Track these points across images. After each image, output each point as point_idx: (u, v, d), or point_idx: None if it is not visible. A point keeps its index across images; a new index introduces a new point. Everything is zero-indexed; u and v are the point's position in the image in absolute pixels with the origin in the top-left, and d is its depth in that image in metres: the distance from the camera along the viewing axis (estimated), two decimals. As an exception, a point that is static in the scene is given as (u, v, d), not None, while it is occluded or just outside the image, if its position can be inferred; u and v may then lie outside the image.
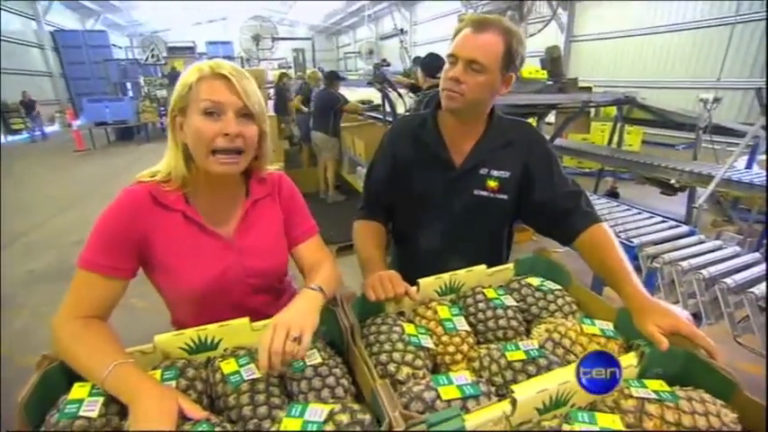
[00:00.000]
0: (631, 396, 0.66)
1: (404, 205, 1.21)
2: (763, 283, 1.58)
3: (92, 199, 5.92)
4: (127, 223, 0.84)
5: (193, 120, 0.79)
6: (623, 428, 0.60)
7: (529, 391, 0.63)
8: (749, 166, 3.85)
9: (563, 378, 0.66)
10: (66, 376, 0.73)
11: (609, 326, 0.85)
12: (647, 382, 0.70)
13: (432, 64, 3.13)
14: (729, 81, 7.17)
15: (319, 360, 0.75)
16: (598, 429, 0.59)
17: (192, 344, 0.82)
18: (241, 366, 0.76)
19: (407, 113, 2.94)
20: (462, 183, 1.13)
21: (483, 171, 1.12)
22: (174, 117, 0.83)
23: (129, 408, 0.64)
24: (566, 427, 0.60)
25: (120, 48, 17.57)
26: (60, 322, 0.77)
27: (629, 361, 0.73)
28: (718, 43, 7.26)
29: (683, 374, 0.74)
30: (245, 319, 0.84)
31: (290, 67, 13.30)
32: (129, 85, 14.12)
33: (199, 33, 19.47)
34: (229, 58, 14.28)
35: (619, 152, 4.47)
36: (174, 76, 11.49)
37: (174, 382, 0.71)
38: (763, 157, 5.35)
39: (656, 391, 0.67)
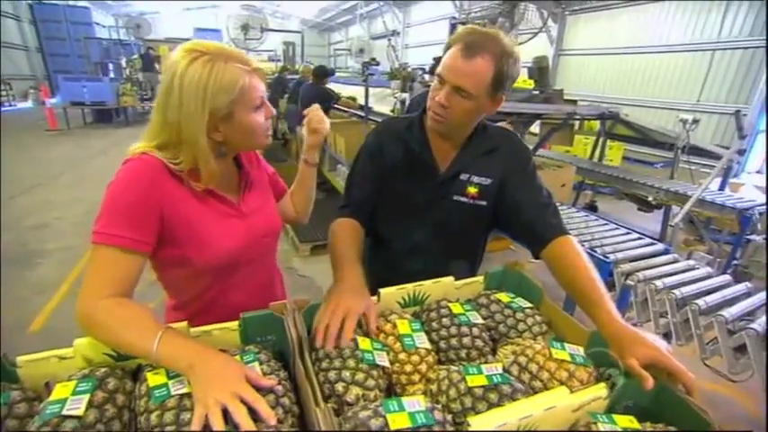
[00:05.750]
0: (598, 433, 0.61)
1: (383, 206, 1.18)
2: (733, 307, 1.57)
3: (59, 181, 5.64)
4: (147, 192, 0.80)
5: (246, 117, 0.83)
6: (587, 471, 0.54)
7: (486, 426, 0.56)
8: (722, 188, 3.94)
9: (526, 411, 0.59)
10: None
11: (579, 350, 0.79)
12: (616, 417, 0.64)
13: None
14: (708, 105, 7.37)
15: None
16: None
17: (118, 350, 0.73)
18: (170, 379, 0.67)
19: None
20: (444, 188, 1.12)
21: (464, 177, 1.11)
22: (213, 124, 0.81)
23: (192, 372, 0.63)
24: (525, 467, 0.54)
25: (104, 27, 16.92)
26: (88, 304, 0.72)
27: (598, 392, 0.67)
28: (699, 68, 7.45)
29: (654, 408, 0.69)
30: (184, 324, 0.75)
31: (279, 60, 13.07)
32: (110, 66, 13.61)
33: (189, 18, 18.96)
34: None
35: (600, 166, 4.52)
36: (148, 59, 11.09)
37: (86, 396, 0.62)
38: (735, 180, 5.50)
39: (624, 429, 0.62)
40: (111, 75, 12.96)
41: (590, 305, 0.84)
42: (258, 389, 0.63)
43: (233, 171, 0.98)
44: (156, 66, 10.97)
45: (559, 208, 1.19)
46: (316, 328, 0.77)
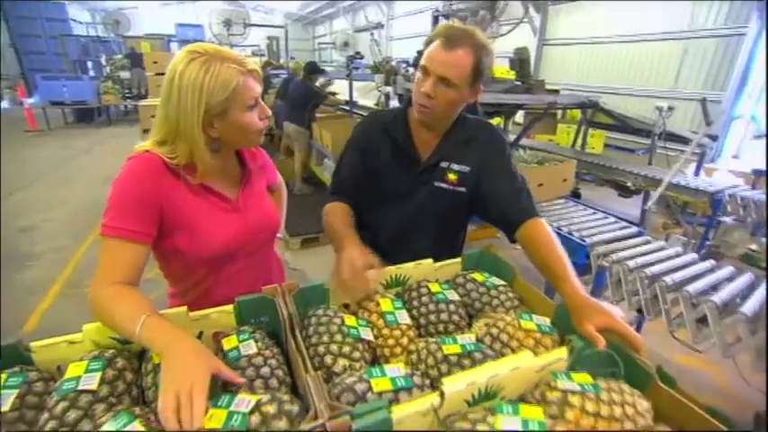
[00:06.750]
0: (556, 388, 0.69)
1: (370, 194, 1.25)
2: (697, 282, 1.68)
3: (44, 183, 5.57)
4: (148, 186, 0.87)
5: (239, 116, 0.89)
6: (544, 419, 0.62)
7: (457, 385, 0.64)
8: (697, 173, 4.09)
9: (492, 371, 0.67)
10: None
11: (546, 321, 0.88)
12: (573, 375, 0.73)
13: None
14: (685, 92, 7.55)
15: (255, 350, 0.74)
16: (519, 419, 0.61)
17: (124, 334, 0.79)
18: (174, 358, 0.73)
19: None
20: (425, 175, 1.20)
21: (444, 164, 1.19)
22: (208, 120, 0.87)
23: (163, 359, 0.66)
24: (490, 418, 0.62)
25: (81, 23, 16.48)
26: (94, 290, 0.80)
27: (560, 355, 0.76)
28: (675, 56, 7.61)
29: (609, 370, 0.78)
30: (184, 308, 0.82)
31: (263, 55, 12.94)
32: (89, 64, 13.31)
33: (170, 13, 18.57)
34: (200, 41, 13.62)
35: (581, 154, 4.64)
36: (135, 57, 10.91)
37: (98, 373, 0.68)
38: (712, 165, 5.69)
39: (580, 384, 0.70)
40: (91, 73, 12.68)
41: (556, 280, 0.92)
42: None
43: (234, 168, 1.04)
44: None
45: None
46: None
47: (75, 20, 15.83)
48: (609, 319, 0.79)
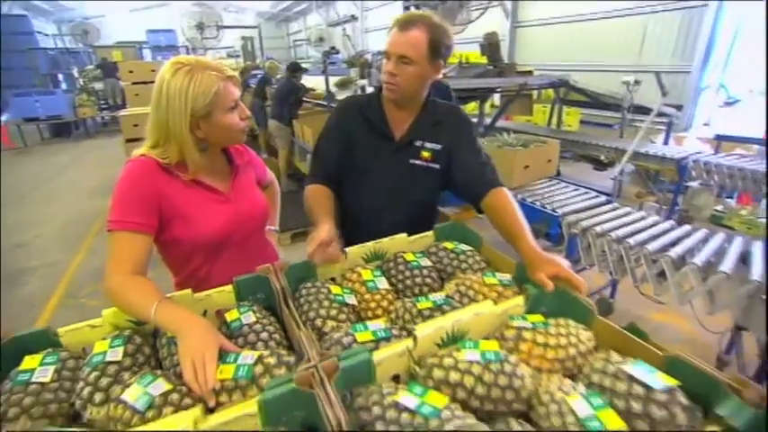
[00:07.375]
0: (512, 327, 0.82)
1: (348, 173, 1.35)
2: (656, 241, 1.83)
3: (31, 200, 5.57)
4: (146, 184, 0.98)
5: (222, 118, 1.00)
6: (500, 349, 0.75)
7: (428, 329, 0.77)
8: (666, 141, 4.28)
9: (456, 317, 0.80)
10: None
11: (507, 277, 1.01)
12: (528, 316, 0.86)
13: None
14: (656, 65, 7.74)
15: (254, 319, 0.85)
16: (479, 351, 0.73)
17: (138, 316, 0.89)
18: (184, 332, 0.84)
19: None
20: (401, 153, 1.31)
21: (418, 143, 1.31)
22: (194, 122, 0.98)
23: (179, 336, 0.77)
24: (455, 353, 0.74)
25: (47, 35, 16.05)
26: (108, 281, 0.90)
27: (516, 302, 0.89)
28: (642, 30, 7.79)
29: (558, 310, 0.91)
30: (188, 291, 0.92)
31: (238, 56, 12.87)
32: (60, 77, 13.05)
33: (139, 20, 18.21)
34: (173, 47, 13.50)
35: (557, 132, 4.79)
36: (107, 68, 10.76)
37: (121, 348, 0.79)
38: (681, 134, 5.90)
39: (532, 322, 0.83)
40: (63, 86, 12.45)
41: (514, 239, 1.06)
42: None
43: (223, 164, 1.16)
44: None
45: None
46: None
47: (41, 32, 15.41)
48: (557, 268, 0.92)
